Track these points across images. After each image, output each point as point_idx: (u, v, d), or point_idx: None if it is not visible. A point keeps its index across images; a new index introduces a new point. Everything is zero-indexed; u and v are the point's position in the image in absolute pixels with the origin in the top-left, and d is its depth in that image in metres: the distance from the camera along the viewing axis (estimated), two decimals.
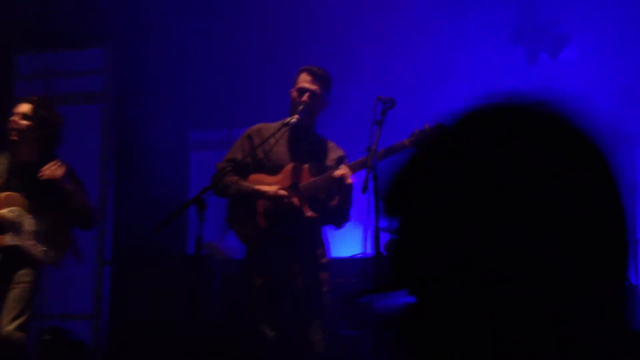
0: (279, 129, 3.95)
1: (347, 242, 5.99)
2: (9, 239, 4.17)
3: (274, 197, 3.83)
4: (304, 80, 4.00)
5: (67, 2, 7.04)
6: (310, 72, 4.01)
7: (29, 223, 4.23)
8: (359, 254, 5.77)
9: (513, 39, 6.27)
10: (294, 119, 3.92)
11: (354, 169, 3.81)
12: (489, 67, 6.19)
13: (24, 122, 4.26)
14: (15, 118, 4.26)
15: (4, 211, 4.17)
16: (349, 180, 3.80)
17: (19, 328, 4.08)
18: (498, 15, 6.25)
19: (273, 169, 3.97)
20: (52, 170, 4.17)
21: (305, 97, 3.96)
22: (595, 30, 6.15)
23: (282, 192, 3.82)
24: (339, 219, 4.01)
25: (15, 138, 4.26)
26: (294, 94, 4.02)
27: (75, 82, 7.25)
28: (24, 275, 4.19)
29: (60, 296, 6.80)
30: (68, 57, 7.29)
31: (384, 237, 6.02)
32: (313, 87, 3.98)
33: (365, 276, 4.89)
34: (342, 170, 3.79)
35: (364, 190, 3.48)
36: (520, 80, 6.14)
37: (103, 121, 7.03)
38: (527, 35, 6.21)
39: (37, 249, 4.23)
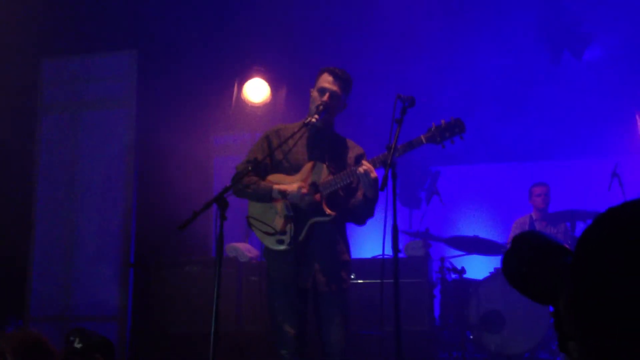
0: (298, 129, 3.96)
1: (369, 244, 5.97)
2: None
3: (294, 195, 3.84)
4: (325, 81, 3.98)
5: (93, 8, 7.11)
6: (332, 73, 3.99)
7: None
8: (379, 255, 5.71)
9: (537, 39, 6.18)
10: (313, 118, 3.90)
11: (373, 166, 3.79)
12: (510, 68, 6.12)
13: None
14: None
15: None
16: (374, 174, 3.78)
17: None
18: (522, 15, 6.18)
19: (292, 169, 3.96)
20: None
21: (325, 97, 3.95)
22: (619, 30, 6.07)
23: (303, 189, 3.83)
24: (363, 215, 3.97)
25: None
26: (314, 93, 4.01)
27: (102, 87, 7.29)
28: None
29: (87, 298, 6.84)
30: (94, 63, 7.35)
31: (403, 238, 5.97)
32: (334, 87, 3.96)
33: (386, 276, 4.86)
34: (365, 166, 3.77)
35: (383, 187, 3.45)
36: (544, 80, 6.06)
37: (128, 125, 7.08)
38: (551, 34, 6.12)
39: None
